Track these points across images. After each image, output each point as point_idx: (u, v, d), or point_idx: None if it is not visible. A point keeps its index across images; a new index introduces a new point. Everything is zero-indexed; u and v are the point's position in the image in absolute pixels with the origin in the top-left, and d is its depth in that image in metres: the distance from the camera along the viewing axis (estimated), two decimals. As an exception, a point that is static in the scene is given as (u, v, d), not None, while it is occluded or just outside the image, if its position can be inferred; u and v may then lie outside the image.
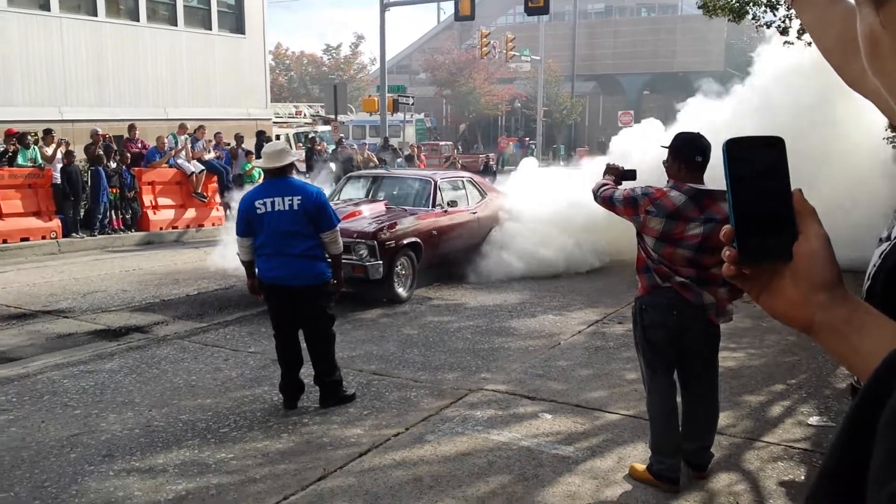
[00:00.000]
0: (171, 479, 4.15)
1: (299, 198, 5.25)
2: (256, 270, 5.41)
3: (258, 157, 16.73)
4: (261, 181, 17.25)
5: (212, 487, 4.05)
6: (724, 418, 4.95)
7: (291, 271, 5.24)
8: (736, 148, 0.83)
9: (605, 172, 4.37)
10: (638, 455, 4.42)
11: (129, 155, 14.39)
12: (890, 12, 0.74)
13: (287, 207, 5.22)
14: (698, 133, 4.02)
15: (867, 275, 1.00)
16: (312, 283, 5.30)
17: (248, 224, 5.30)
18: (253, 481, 4.13)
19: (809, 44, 10.17)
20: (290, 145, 23.50)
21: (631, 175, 4.30)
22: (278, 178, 5.35)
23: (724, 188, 0.83)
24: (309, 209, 5.25)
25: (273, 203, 5.22)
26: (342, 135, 22.23)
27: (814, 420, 5.02)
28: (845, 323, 0.78)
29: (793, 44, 10.39)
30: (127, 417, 5.05)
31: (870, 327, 0.78)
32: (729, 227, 0.81)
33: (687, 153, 3.92)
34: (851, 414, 0.64)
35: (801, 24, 9.86)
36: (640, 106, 48.02)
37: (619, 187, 4.16)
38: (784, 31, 10.14)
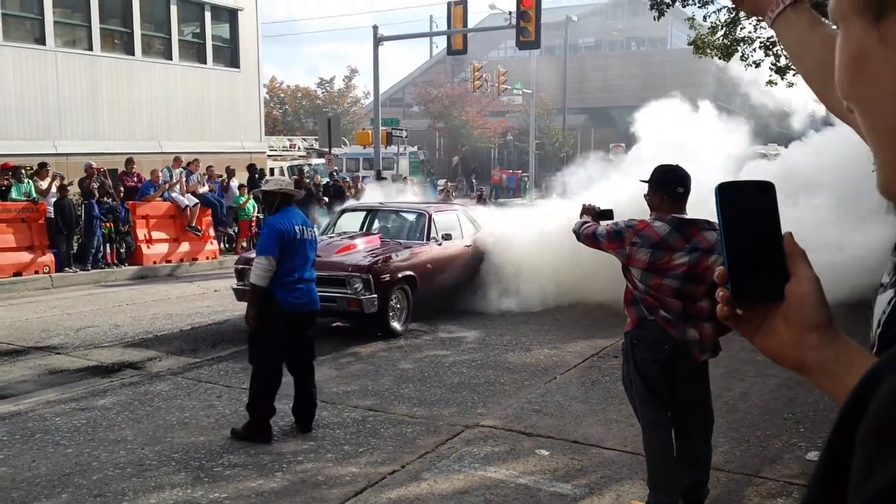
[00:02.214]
0: (164, 519, 4.09)
1: (313, 229, 5.73)
2: (277, 299, 5.39)
3: (251, 190, 16.81)
4: (255, 214, 17.18)
5: (205, 528, 3.99)
6: (722, 454, 4.92)
7: (311, 298, 5.57)
8: (728, 192, 0.85)
9: (582, 213, 4.38)
10: (636, 492, 4.38)
11: (122, 189, 14.40)
12: (893, 27, 0.68)
13: (311, 237, 5.59)
14: (677, 165, 4.06)
15: (877, 321, 0.99)
16: (318, 308, 5.72)
17: (285, 247, 5.35)
18: (247, 522, 4.07)
19: (791, 85, 10.39)
20: (286, 178, 23.62)
21: (608, 214, 4.32)
22: (295, 208, 5.68)
23: (707, 217, 0.85)
24: (315, 241, 5.74)
25: (304, 231, 5.52)
26: (336, 168, 22.30)
27: (812, 455, 5.00)
28: (835, 363, 0.80)
29: (776, 84, 10.57)
30: (119, 456, 4.99)
31: (859, 366, 0.79)
32: (723, 269, 0.83)
33: (668, 185, 3.95)
34: (831, 434, 0.64)
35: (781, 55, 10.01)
36: (630, 138, 48.38)
37: (600, 224, 4.18)
38: (780, 71, 10.30)
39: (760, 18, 1.29)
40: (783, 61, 10.21)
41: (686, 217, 3.92)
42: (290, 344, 5.46)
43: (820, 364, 0.81)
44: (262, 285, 5.29)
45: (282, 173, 24.57)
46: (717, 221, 0.85)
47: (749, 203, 0.84)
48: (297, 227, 5.42)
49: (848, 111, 0.83)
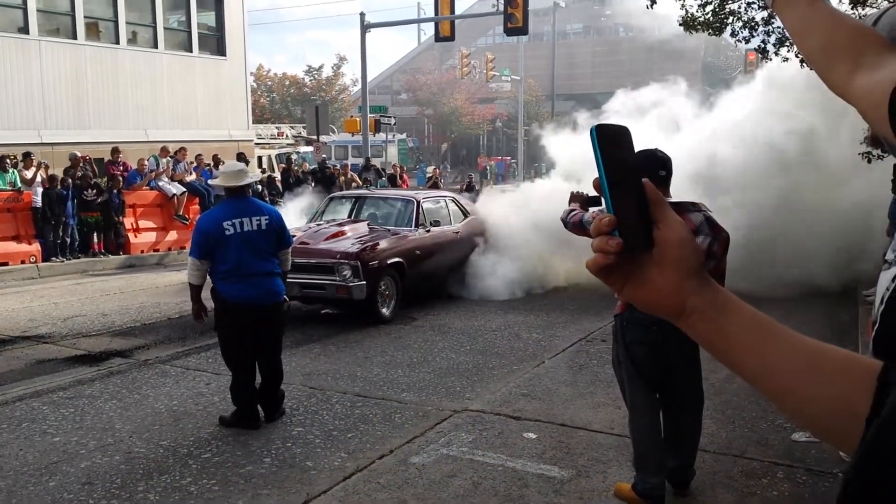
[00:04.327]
0: (152, 506, 4.09)
1: (266, 217, 5.38)
2: (220, 293, 5.37)
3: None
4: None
5: (194, 514, 4.00)
6: (708, 435, 4.96)
7: (264, 290, 5.33)
8: (605, 135, 0.81)
9: (571, 200, 4.37)
10: (623, 474, 4.41)
11: (120, 180, 14.30)
12: None
13: (256, 227, 5.30)
14: (656, 148, 4.03)
15: (880, 298, 1.00)
16: (279, 300, 5.46)
17: (212, 246, 5.26)
18: (236, 507, 4.08)
19: (786, 59, 10.42)
20: (273, 166, 23.52)
21: (597, 201, 4.28)
22: (239, 198, 5.41)
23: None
24: (275, 228, 5.40)
25: (241, 223, 5.25)
26: (324, 155, 22.23)
27: (797, 436, 5.04)
28: (711, 306, 0.81)
29: (770, 59, 10.59)
30: (107, 444, 4.98)
31: (732, 309, 0.81)
32: (611, 216, 0.80)
33: (650, 169, 3.94)
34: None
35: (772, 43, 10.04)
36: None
37: (587, 211, 4.17)
38: (763, 52, 10.31)
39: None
40: (772, 38, 10.21)
41: (671, 200, 3.93)
42: (248, 336, 5.35)
43: (699, 308, 0.81)
44: (194, 283, 5.42)
45: (270, 161, 24.50)
46: (599, 168, 0.80)
47: (619, 146, 0.81)
48: (226, 223, 5.21)
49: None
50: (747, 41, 10.92)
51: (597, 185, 0.81)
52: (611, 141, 0.81)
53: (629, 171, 0.81)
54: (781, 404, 0.80)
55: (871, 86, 0.99)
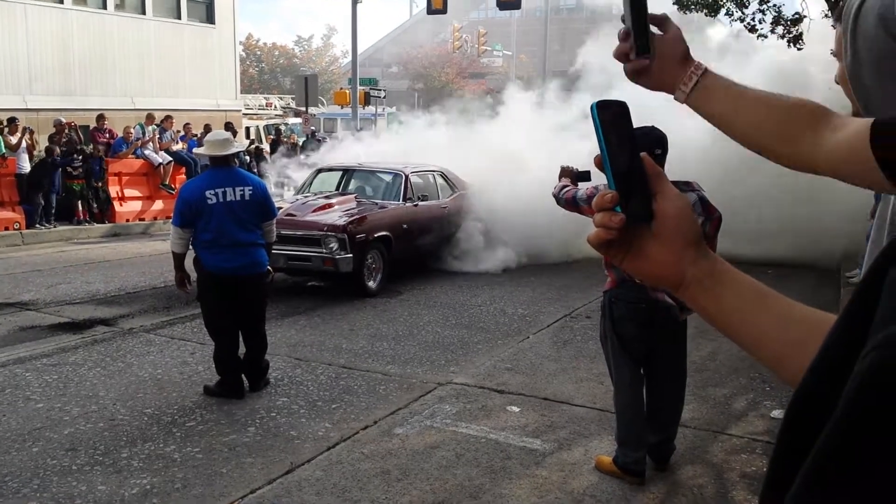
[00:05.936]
0: (135, 473, 4.10)
1: (250, 188, 5.35)
2: (203, 263, 5.38)
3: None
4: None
5: (177, 481, 4.02)
6: (688, 411, 5.01)
7: (247, 261, 5.33)
8: (606, 109, 0.82)
9: (561, 175, 4.36)
10: (604, 448, 4.46)
11: (100, 147, 14.17)
12: None
13: (239, 197, 5.27)
14: (652, 126, 4.01)
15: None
16: (262, 270, 5.46)
17: (195, 214, 5.25)
18: (219, 475, 4.10)
19: (782, 37, 10.42)
20: (261, 137, 23.34)
21: (586, 176, 4.29)
22: (224, 167, 5.39)
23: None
24: (258, 199, 5.37)
25: (224, 193, 5.23)
26: (313, 127, 22.07)
27: (776, 413, 5.11)
28: (710, 276, 0.82)
29: (766, 37, 10.59)
30: (91, 411, 4.98)
31: (730, 278, 0.82)
32: (613, 193, 0.81)
33: (645, 147, 3.89)
34: (851, 306, 0.63)
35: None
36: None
37: (578, 187, 4.16)
38: (752, 29, 10.31)
39: None
40: (768, 16, 10.22)
41: None
42: (231, 306, 5.36)
43: (698, 279, 0.82)
44: (177, 251, 5.41)
45: (258, 132, 24.31)
46: (601, 144, 0.80)
47: (616, 121, 0.82)
48: (209, 192, 5.19)
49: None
50: (742, 21, 10.91)
51: (598, 161, 0.82)
52: (611, 117, 0.82)
53: (629, 145, 0.82)
54: (779, 372, 0.81)
55: (847, 139, 1.00)
